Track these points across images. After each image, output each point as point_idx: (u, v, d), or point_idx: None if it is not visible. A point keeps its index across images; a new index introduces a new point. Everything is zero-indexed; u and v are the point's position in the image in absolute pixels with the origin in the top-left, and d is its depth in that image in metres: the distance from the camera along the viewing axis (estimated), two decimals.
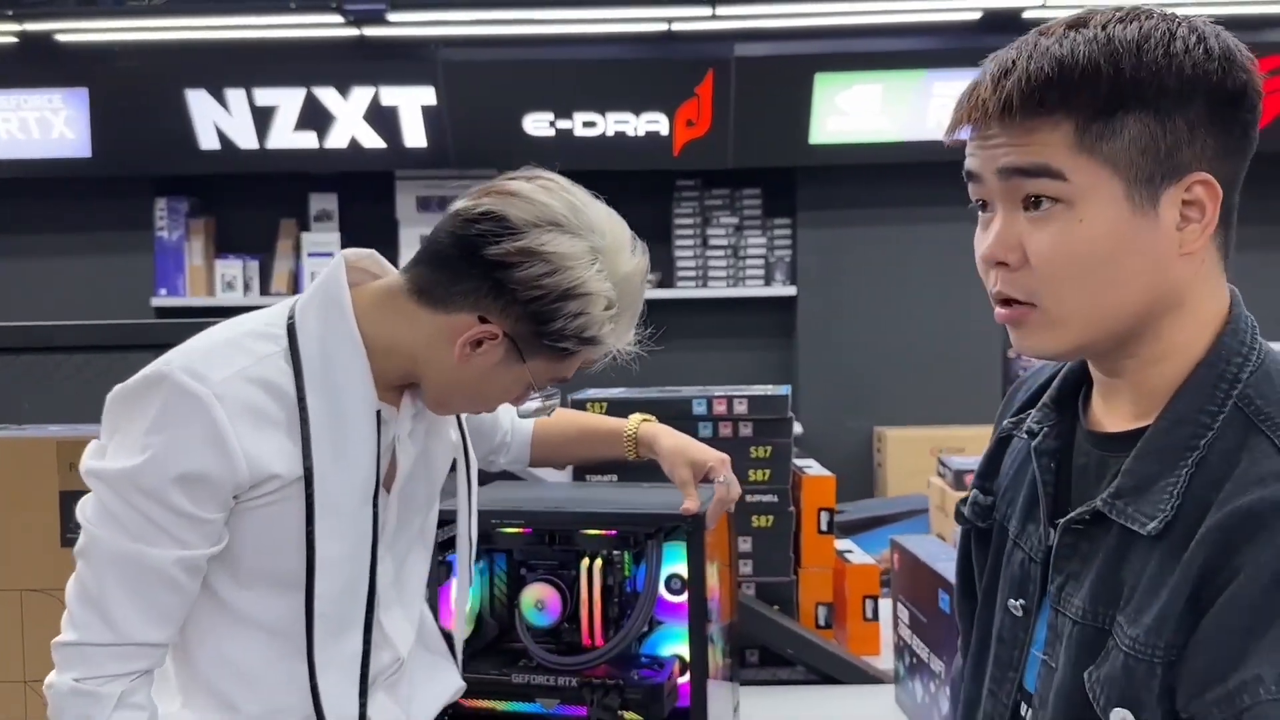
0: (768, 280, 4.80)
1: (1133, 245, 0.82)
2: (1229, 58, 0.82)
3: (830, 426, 4.65)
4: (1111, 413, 0.91)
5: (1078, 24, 0.83)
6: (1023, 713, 0.94)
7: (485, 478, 1.87)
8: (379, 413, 1.17)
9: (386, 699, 1.25)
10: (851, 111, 4.46)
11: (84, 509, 1.11)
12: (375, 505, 1.18)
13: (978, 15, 4.18)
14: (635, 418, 1.55)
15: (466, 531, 1.37)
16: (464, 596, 1.40)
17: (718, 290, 4.78)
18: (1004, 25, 4.22)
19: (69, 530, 1.69)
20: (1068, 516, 0.88)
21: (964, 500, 1.04)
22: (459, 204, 1.16)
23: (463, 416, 1.37)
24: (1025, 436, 0.96)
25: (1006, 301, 0.87)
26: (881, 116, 4.46)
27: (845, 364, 4.67)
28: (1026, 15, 4.12)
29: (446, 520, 1.56)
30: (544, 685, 1.51)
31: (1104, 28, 0.81)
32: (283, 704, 1.17)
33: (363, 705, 1.20)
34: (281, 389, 1.12)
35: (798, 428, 4.65)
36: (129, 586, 1.09)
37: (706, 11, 4.09)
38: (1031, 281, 0.85)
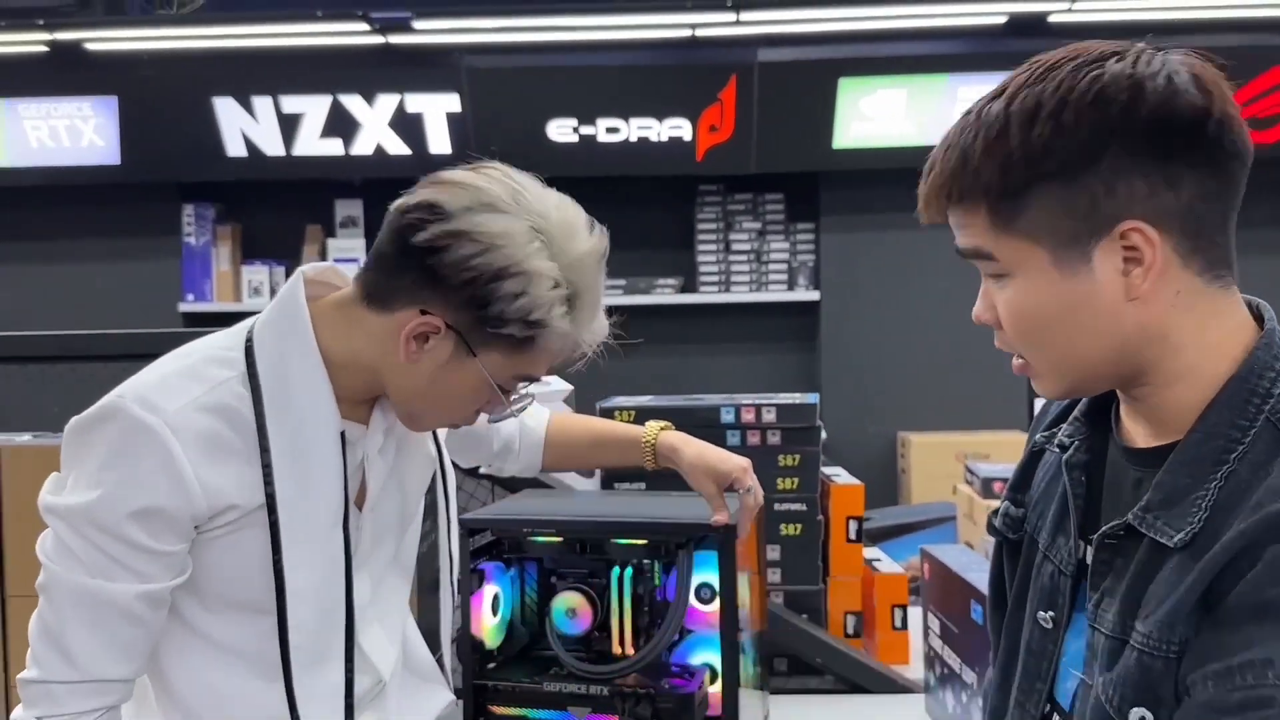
0: (790, 285, 4.80)
1: (1074, 303, 0.85)
2: (1137, 99, 0.81)
3: (853, 432, 4.64)
4: (1139, 428, 0.91)
5: (997, 93, 0.86)
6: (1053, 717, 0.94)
7: (515, 485, 1.88)
8: (343, 433, 1.13)
9: (400, 703, 1.24)
10: (875, 116, 4.46)
11: (43, 544, 1.09)
12: (346, 528, 1.13)
13: (1003, 19, 4.16)
14: (653, 425, 1.52)
15: (447, 547, 1.33)
16: (449, 617, 1.36)
17: (740, 295, 4.77)
18: (1029, 29, 4.20)
19: None
20: (1101, 531, 0.88)
21: (995, 512, 1.04)
22: (399, 200, 1.12)
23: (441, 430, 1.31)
24: (1057, 450, 0.96)
25: (1016, 354, 0.93)
26: (905, 121, 4.45)
27: (868, 369, 4.66)
28: (1052, 20, 4.11)
29: (477, 529, 1.58)
30: (576, 694, 1.51)
31: (1010, 99, 0.84)
32: None
33: None
34: (239, 415, 1.08)
35: (822, 434, 4.67)
36: (89, 622, 1.06)
37: (730, 17, 4.09)
38: (1011, 340, 0.90)
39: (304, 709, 1.11)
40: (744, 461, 1.49)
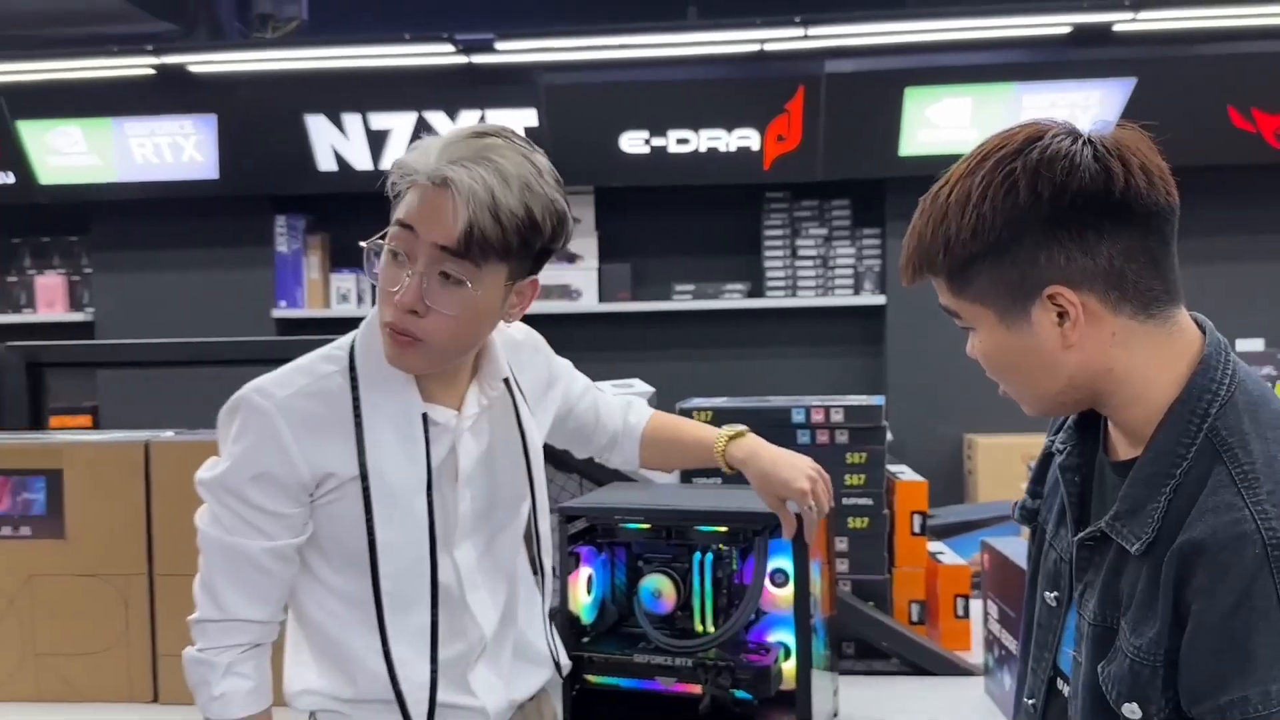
0: (857, 289, 4.88)
1: (1022, 351, 1.02)
2: (1040, 187, 0.96)
3: (920, 433, 4.72)
4: (1120, 441, 1.06)
5: (943, 183, 1.02)
6: (1058, 686, 1.09)
7: (602, 477, 2.04)
8: (425, 415, 1.31)
9: (487, 670, 1.39)
10: (941, 124, 4.53)
11: (200, 513, 1.33)
12: (429, 496, 1.31)
13: (1068, 29, 4.23)
14: (724, 434, 1.57)
15: (534, 528, 1.44)
16: (546, 593, 1.48)
17: (807, 300, 4.87)
18: (1094, 39, 4.27)
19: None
20: (1078, 536, 1.04)
21: (1017, 503, 1.19)
22: None
23: (526, 419, 1.43)
24: (1055, 454, 1.11)
25: None
26: (971, 129, 4.51)
27: (935, 372, 4.73)
28: (1117, 29, 4.17)
29: (575, 516, 1.75)
30: (662, 665, 1.68)
31: (949, 195, 1.00)
32: (370, 670, 1.33)
33: (434, 673, 1.33)
34: (339, 401, 1.29)
35: (888, 435, 4.76)
36: (229, 573, 1.30)
37: (799, 32, 4.21)
38: (989, 374, 1.08)
39: (394, 644, 1.31)
40: (805, 484, 1.52)
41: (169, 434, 2.01)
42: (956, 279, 1.02)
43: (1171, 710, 0.95)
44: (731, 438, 1.56)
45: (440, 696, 1.33)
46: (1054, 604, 1.11)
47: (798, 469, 1.53)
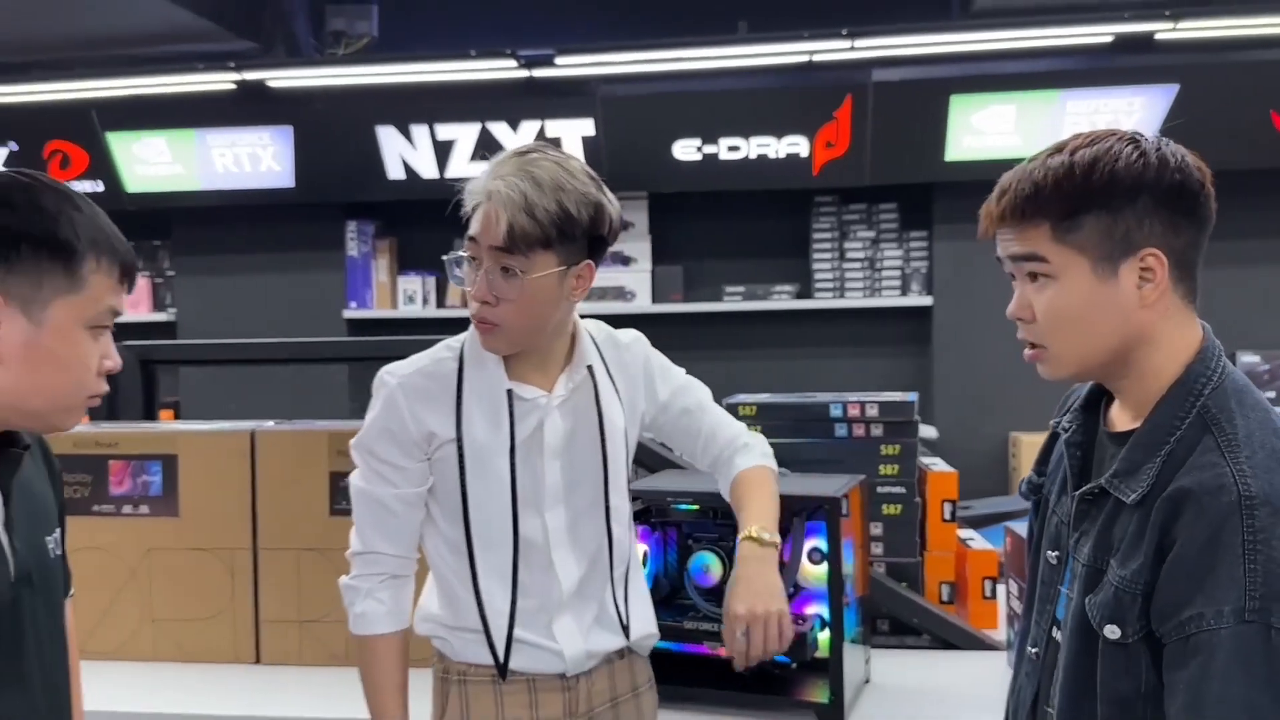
0: (904, 291, 4.99)
1: (1101, 304, 1.17)
2: (1163, 165, 1.15)
3: (965, 432, 4.84)
4: (1120, 416, 1.24)
5: (1057, 149, 1.18)
6: (1054, 634, 1.27)
7: (656, 465, 2.23)
8: (510, 391, 1.56)
9: (570, 621, 1.60)
10: (986, 130, 4.64)
11: (353, 472, 1.62)
12: (512, 459, 1.56)
13: (1110, 38, 4.33)
14: (751, 530, 1.57)
15: (604, 506, 1.62)
16: (617, 560, 1.64)
17: (855, 301, 5.00)
18: (1137, 47, 4.36)
19: (336, 503, 2.14)
20: (1081, 489, 1.21)
21: (1024, 480, 1.37)
22: None
23: (614, 410, 1.63)
24: (1061, 432, 1.29)
25: (1030, 345, 1.23)
26: (1015, 135, 4.62)
27: (979, 370, 4.85)
28: (1159, 37, 4.26)
29: (633, 497, 1.94)
30: (710, 631, 1.87)
31: (1072, 153, 1.16)
32: (465, 601, 1.58)
33: (513, 609, 1.57)
34: (446, 378, 1.58)
35: (933, 432, 4.87)
36: (369, 516, 1.59)
37: (845, 44, 4.36)
38: (1039, 332, 1.21)
39: (482, 580, 1.58)
40: (741, 612, 1.49)
41: (270, 424, 2.24)
42: (1064, 226, 1.17)
43: (1143, 632, 1.14)
44: (751, 536, 1.58)
45: (523, 634, 1.57)
46: (1055, 562, 1.29)
47: (751, 597, 1.51)
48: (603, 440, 1.63)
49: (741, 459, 1.70)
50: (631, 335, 1.73)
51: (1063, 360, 1.23)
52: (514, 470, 1.56)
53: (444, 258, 1.57)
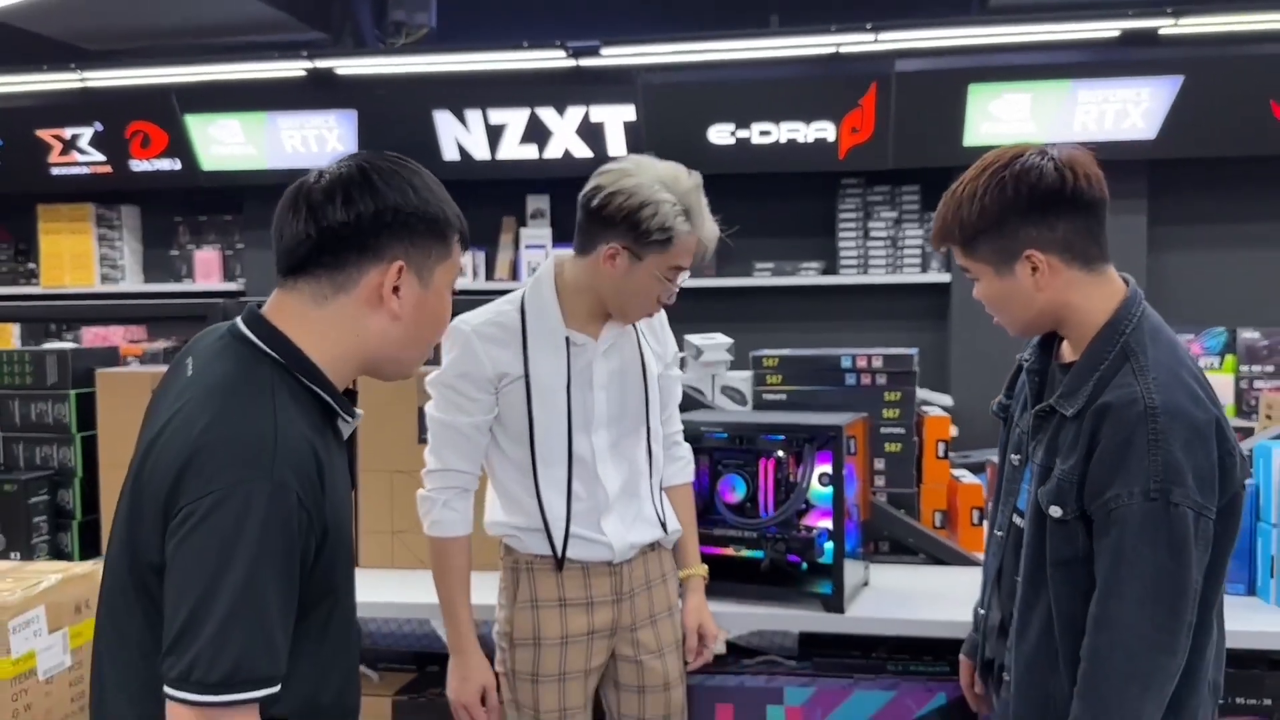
0: (924, 267, 5.22)
1: (1009, 293, 1.58)
2: (1020, 181, 1.52)
3: (982, 401, 5.05)
4: (1066, 351, 1.63)
5: (955, 187, 1.57)
6: (1015, 520, 1.65)
7: (688, 405, 2.60)
8: (567, 338, 1.94)
9: (615, 520, 2.00)
10: (1003, 118, 4.88)
11: (428, 404, 2.00)
12: (569, 392, 1.94)
13: (1117, 33, 4.62)
14: (695, 569, 2.14)
15: (646, 439, 2.05)
16: (656, 472, 2.09)
17: (877, 277, 5.25)
18: (1142, 41, 4.65)
19: (423, 433, 2.53)
20: (1035, 408, 1.59)
21: (995, 401, 1.76)
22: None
23: (650, 356, 2.05)
24: (1024, 363, 1.67)
25: None
26: (1030, 122, 4.88)
27: (995, 343, 5.03)
28: (1163, 33, 4.54)
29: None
30: (735, 537, 2.26)
31: (957, 193, 1.56)
32: (528, 508, 1.97)
33: (568, 511, 1.95)
34: (512, 325, 1.95)
35: (948, 399, 5.19)
36: (445, 440, 1.96)
37: (870, 37, 4.66)
38: (989, 310, 1.63)
39: (543, 491, 1.96)
40: (694, 628, 2.09)
41: None
42: (967, 248, 1.60)
43: (1079, 512, 1.53)
44: (694, 574, 2.14)
45: (578, 530, 1.96)
46: (1016, 464, 1.68)
47: (693, 618, 2.10)
48: (645, 380, 2.03)
49: (681, 468, 2.18)
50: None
51: (1008, 327, 1.66)
52: (569, 400, 1.94)
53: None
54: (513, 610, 2.01)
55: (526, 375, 1.93)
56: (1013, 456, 1.71)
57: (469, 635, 1.97)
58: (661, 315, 2.10)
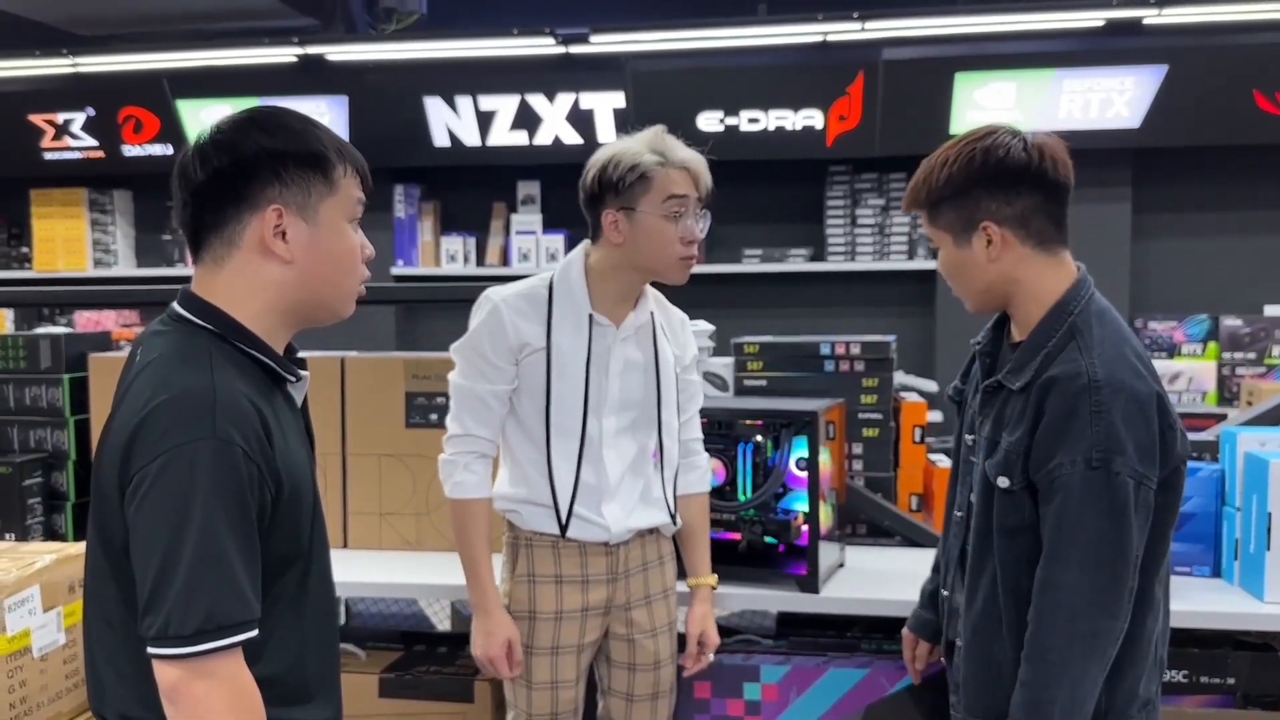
0: (911, 255, 5.24)
1: (964, 264, 1.63)
2: (988, 156, 1.57)
3: None
4: (1016, 331, 1.67)
5: (935, 154, 1.62)
6: (973, 499, 1.71)
7: None
8: (591, 316, 2.01)
9: (614, 506, 2.05)
10: (988, 106, 4.89)
11: (452, 372, 2.04)
12: (587, 368, 2.00)
13: (1102, 22, 4.66)
14: (705, 578, 2.19)
15: (658, 422, 2.11)
16: (668, 463, 2.15)
17: (865, 264, 5.28)
18: (1127, 30, 4.69)
19: (410, 418, 2.59)
20: (983, 384, 1.65)
21: (950, 385, 1.82)
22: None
23: (667, 350, 2.11)
24: (975, 346, 1.73)
25: None
26: (1016, 110, 4.89)
27: (976, 330, 5.18)
28: (1147, 23, 4.58)
29: None
30: (715, 520, 2.31)
31: (932, 160, 1.61)
32: (535, 479, 2.03)
33: (575, 484, 2.01)
34: (540, 299, 2.02)
35: (933, 385, 5.24)
36: (467, 405, 2.03)
37: (857, 25, 4.70)
38: (948, 281, 1.68)
39: (554, 459, 2.02)
40: (696, 635, 2.15)
41: (354, 353, 2.70)
42: (931, 214, 1.66)
43: (1024, 482, 1.59)
44: (705, 582, 2.19)
45: (580, 510, 2.02)
46: (970, 443, 1.74)
47: (696, 626, 2.17)
48: (658, 372, 2.09)
49: (699, 477, 2.22)
50: (683, 316, 2.21)
51: (963, 299, 1.71)
52: (587, 378, 2.00)
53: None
54: (511, 584, 2.08)
55: (548, 347, 1.99)
56: (967, 437, 1.77)
57: (492, 593, 2.04)
58: (684, 319, 2.19)
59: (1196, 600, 2.20)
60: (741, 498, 2.33)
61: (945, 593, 1.89)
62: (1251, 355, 4.98)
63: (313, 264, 1.36)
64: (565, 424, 2.02)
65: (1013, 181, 1.59)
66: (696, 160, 1.99)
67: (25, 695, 1.85)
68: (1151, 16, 4.52)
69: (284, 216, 1.33)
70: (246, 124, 1.35)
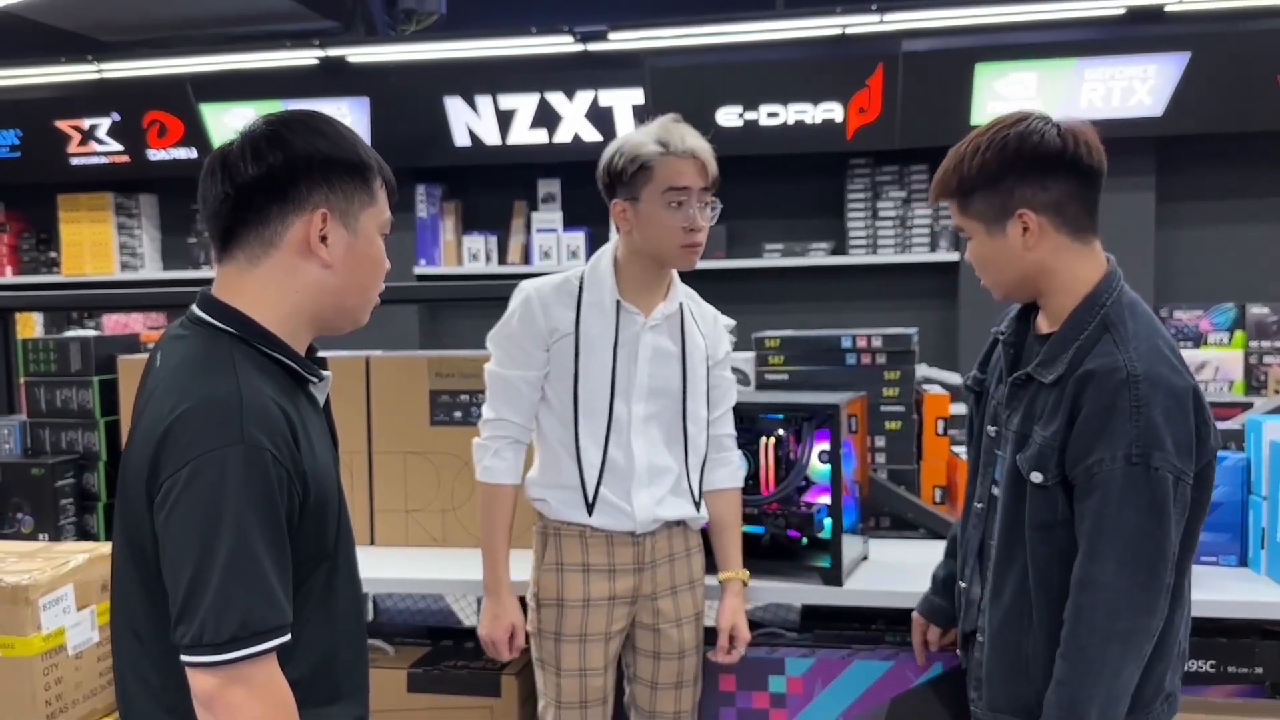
0: (933, 247, 5.23)
1: (997, 252, 1.62)
2: (1023, 142, 1.55)
3: None
4: (1044, 323, 1.66)
5: (961, 144, 1.60)
6: (994, 491, 1.71)
7: None
8: (619, 303, 2.04)
9: (643, 493, 2.07)
10: (1009, 96, 4.87)
11: (488, 362, 2.10)
12: (615, 353, 2.04)
13: (1122, 10, 4.62)
14: (737, 572, 2.19)
15: (682, 414, 2.12)
16: (693, 452, 2.17)
17: (886, 257, 5.27)
18: (1148, 18, 4.65)
19: (435, 416, 2.61)
20: (1011, 376, 1.64)
21: (969, 376, 1.81)
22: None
23: (698, 340, 2.13)
24: (999, 336, 1.72)
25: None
26: (1036, 100, 4.87)
27: (1003, 320, 5.17)
28: (1168, 10, 4.54)
29: None
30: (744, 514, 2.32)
31: (963, 146, 1.59)
32: (563, 462, 2.06)
33: (602, 465, 2.04)
34: (571, 289, 2.07)
35: (955, 378, 5.22)
36: (500, 392, 2.07)
37: (875, 18, 4.69)
38: (977, 272, 1.67)
39: (582, 438, 2.05)
40: (727, 629, 2.16)
41: (379, 353, 2.72)
42: (962, 203, 1.64)
43: (1059, 478, 1.58)
44: (736, 576, 2.20)
45: (606, 494, 2.05)
46: (993, 435, 1.74)
47: (727, 620, 2.18)
48: (684, 361, 2.11)
49: (730, 473, 2.23)
50: (720, 315, 2.25)
51: (993, 289, 1.69)
52: (615, 361, 2.03)
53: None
54: (540, 572, 2.11)
55: (577, 332, 2.04)
56: (989, 428, 1.77)
57: (504, 578, 2.09)
58: (718, 316, 2.22)
59: (1223, 590, 2.19)
60: (764, 492, 2.33)
61: (963, 584, 1.88)
62: (1279, 343, 4.94)
63: (348, 270, 1.37)
64: (593, 404, 2.05)
65: (1047, 168, 1.58)
66: (702, 149, 2.01)
67: (61, 693, 1.88)
68: (1173, 4, 4.49)
69: (329, 221, 1.34)
70: (300, 125, 1.36)
